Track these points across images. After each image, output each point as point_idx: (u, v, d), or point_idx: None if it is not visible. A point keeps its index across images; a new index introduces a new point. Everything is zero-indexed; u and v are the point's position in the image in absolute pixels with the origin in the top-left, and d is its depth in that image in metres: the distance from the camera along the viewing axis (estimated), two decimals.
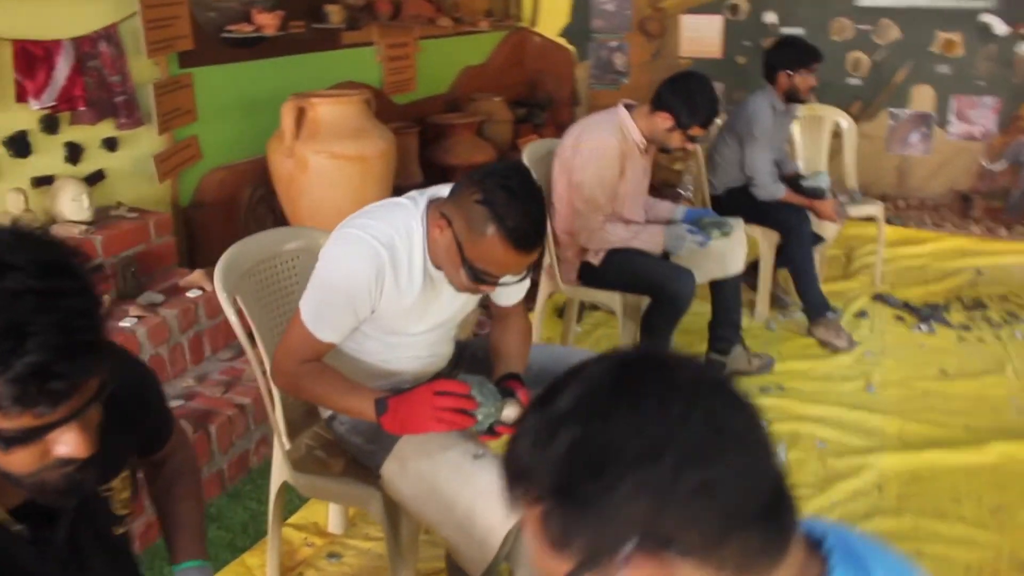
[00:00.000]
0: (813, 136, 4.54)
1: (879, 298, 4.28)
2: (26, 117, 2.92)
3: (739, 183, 3.94)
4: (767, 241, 3.93)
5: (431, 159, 4.81)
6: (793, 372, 3.55)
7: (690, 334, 3.65)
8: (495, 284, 1.87)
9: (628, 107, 3.08)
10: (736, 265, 3.34)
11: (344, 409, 1.94)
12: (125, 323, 2.78)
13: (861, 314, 4.12)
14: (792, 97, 3.83)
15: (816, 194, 3.93)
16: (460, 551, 1.88)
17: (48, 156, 3.02)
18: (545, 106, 5.85)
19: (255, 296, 2.17)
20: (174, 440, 1.52)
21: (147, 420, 1.39)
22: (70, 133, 3.08)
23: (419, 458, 1.90)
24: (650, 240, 3.07)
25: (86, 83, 3.05)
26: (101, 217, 3.07)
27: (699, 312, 3.54)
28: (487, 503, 1.80)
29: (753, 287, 4.06)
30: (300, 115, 3.65)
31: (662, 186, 5.76)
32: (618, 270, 3.11)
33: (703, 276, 3.32)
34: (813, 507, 2.69)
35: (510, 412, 1.85)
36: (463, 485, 1.83)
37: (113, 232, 3.00)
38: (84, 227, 2.94)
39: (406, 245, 1.88)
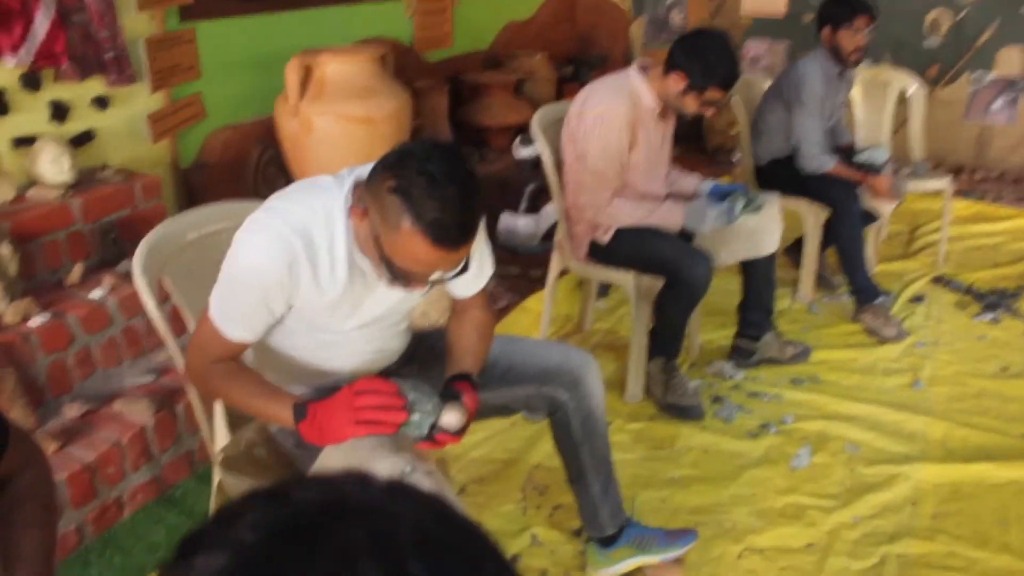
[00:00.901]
0: (876, 103, 4.07)
1: (940, 281, 3.83)
2: (4, 74, 2.73)
3: (784, 153, 3.53)
4: (813, 217, 3.52)
5: (464, 120, 4.52)
6: (832, 362, 3.17)
7: (720, 315, 3.30)
8: (423, 284, 1.58)
9: (644, 68, 2.73)
10: (769, 245, 2.97)
11: (262, 415, 1.69)
12: (94, 294, 2.59)
13: (917, 299, 3.68)
14: (837, 58, 3.40)
15: (870, 169, 3.50)
16: None
17: (30, 115, 2.83)
18: (595, 64, 5.47)
19: (188, 278, 1.93)
20: (15, 457, 1.28)
21: None
22: (54, 91, 2.89)
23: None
24: (667, 217, 2.73)
25: (69, 38, 2.85)
26: (85, 179, 2.88)
27: (731, 290, 3.19)
28: None
29: (797, 265, 3.67)
30: (307, 73, 3.40)
31: (716, 151, 5.36)
32: (628, 249, 2.78)
33: (731, 256, 2.97)
34: (832, 522, 2.35)
35: (451, 418, 1.58)
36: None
37: (93, 196, 2.80)
38: (61, 191, 2.75)
39: (325, 233, 1.60)
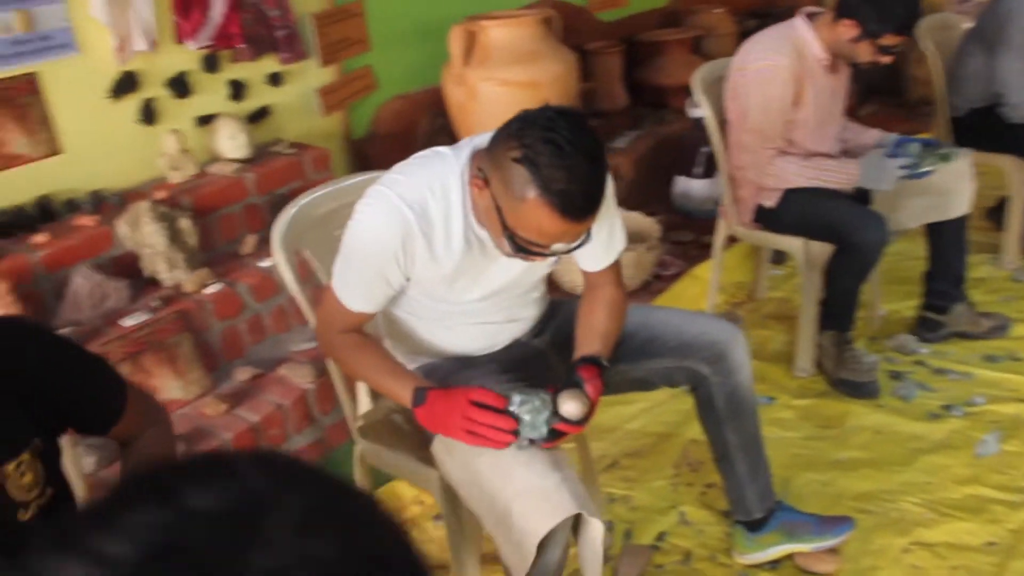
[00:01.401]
0: None
1: None
2: (186, 57, 2.88)
3: (986, 102, 3.17)
4: (1020, 174, 3.14)
5: (640, 80, 4.36)
6: None
7: (906, 283, 3.00)
8: (545, 255, 1.53)
9: (811, 16, 2.50)
10: (960, 205, 2.67)
11: (384, 391, 1.71)
12: (264, 264, 2.71)
13: None
14: None
15: None
16: (501, 549, 1.60)
17: (210, 95, 2.98)
18: (783, 16, 5.12)
19: (328, 250, 1.96)
20: (135, 417, 1.34)
21: (57, 396, 1.22)
22: (232, 71, 3.02)
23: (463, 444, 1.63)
24: (840, 175, 2.51)
25: (243, 19, 2.97)
26: (260, 154, 3.01)
27: (918, 256, 2.91)
28: (525, 504, 1.51)
29: (1000, 229, 3.30)
30: (471, 40, 3.38)
31: (918, 104, 4.90)
32: (796, 213, 2.58)
33: (915, 218, 2.70)
34: (1019, 520, 2.10)
35: (570, 407, 1.54)
36: (503, 481, 1.55)
37: (266, 169, 2.92)
38: (238, 165, 2.88)
39: (441, 205, 1.57)
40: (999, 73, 3.06)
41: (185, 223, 2.66)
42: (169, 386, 2.42)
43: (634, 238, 3.26)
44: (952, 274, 2.79)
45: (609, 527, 2.20)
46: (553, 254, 1.53)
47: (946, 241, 2.76)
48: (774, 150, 2.50)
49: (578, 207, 1.41)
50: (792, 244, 2.65)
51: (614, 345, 1.76)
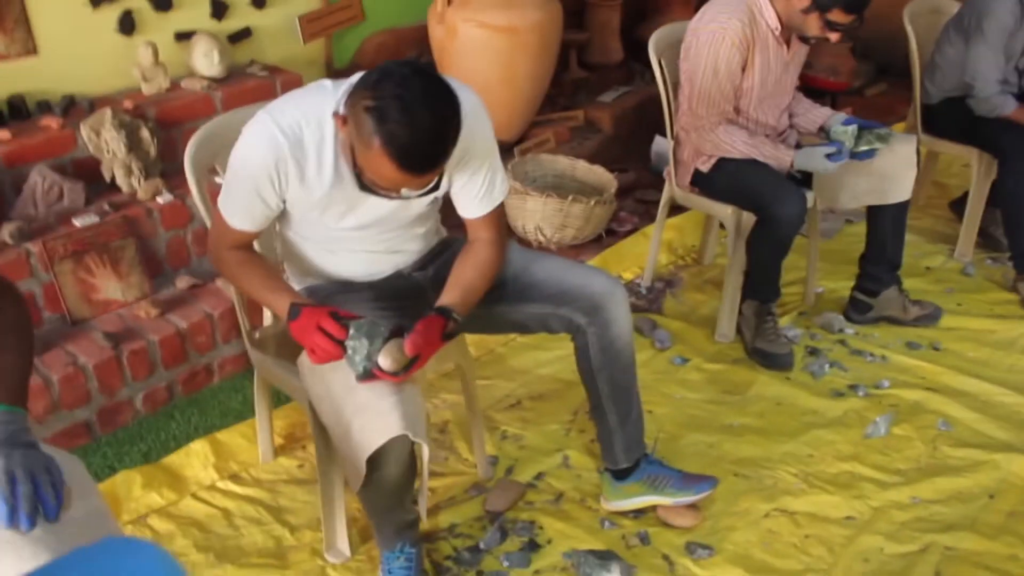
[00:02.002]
0: None
1: None
2: None
3: (959, 92, 3.12)
4: (981, 167, 3.11)
5: (640, 37, 4.33)
6: (964, 331, 2.83)
7: (851, 264, 2.98)
8: (391, 197, 1.61)
9: None
10: (899, 191, 2.66)
11: (266, 305, 1.83)
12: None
13: None
14: None
15: None
16: (344, 464, 1.71)
17: (192, 11, 3.05)
18: None
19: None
20: None
21: None
22: None
23: None
24: (772, 159, 2.52)
25: None
26: (234, 74, 3.09)
27: (859, 235, 2.91)
28: (361, 420, 1.63)
29: (962, 220, 3.27)
30: None
31: None
32: (726, 180, 2.60)
33: (854, 199, 2.71)
34: (884, 499, 2.16)
35: (384, 360, 1.61)
36: (347, 397, 1.65)
37: (235, 89, 3.00)
38: (208, 83, 2.97)
39: (316, 135, 1.65)
40: (971, 63, 3.01)
41: (145, 133, 2.76)
42: (109, 287, 2.55)
43: (589, 191, 3.31)
44: (887, 259, 2.79)
45: (493, 461, 2.29)
46: (400, 197, 1.60)
47: (884, 226, 2.75)
48: (719, 115, 2.51)
49: (417, 162, 1.49)
50: (723, 211, 2.67)
51: (479, 296, 1.82)
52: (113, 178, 2.71)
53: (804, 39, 2.52)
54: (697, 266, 3.22)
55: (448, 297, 1.78)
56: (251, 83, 3.04)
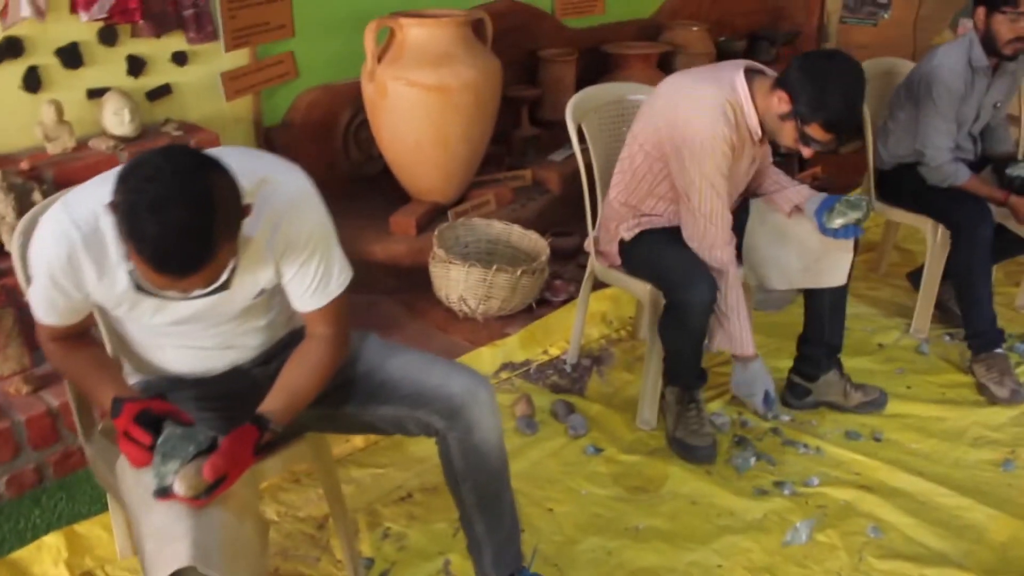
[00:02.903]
0: None
1: None
2: (83, 28, 2.80)
3: (912, 158, 2.90)
4: (936, 238, 2.87)
5: None
6: (911, 418, 2.58)
7: (792, 340, 2.75)
8: (169, 298, 1.42)
9: (751, 74, 2.24)
10: (833, 275, 2.42)
11: (92, 399, 1.65)
12: None
13: None
14: (989, 47, 2.70)
15: (1019, 187, 2.79)
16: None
17: (106, 68, 2.90)
18: (780, 41, 4.85)
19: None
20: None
21: None
22: (131, 46, 2.94)
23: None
24: (736, 332, 2.31)
25: None
26: (148, 132, 2.93)
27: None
28: (151, 544, 1.42)
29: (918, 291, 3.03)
30: (390, 36, 3.25)
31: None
32: (644, 252, 2.40)
33: (785, 280, 2.47)
34: None
35: (179, 484, 1.40)
36: (144, 513, 1.45)
37: (144, 148, 2.83)
38: (114, 143, 2.81)
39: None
40: (921, 131, 2.80)
41: (38, 196, 2.59)
42: None
43: (523, 258, 3.10)
44: (824, 342, 2.55)
45: (368, 564, 2.07)
46: (180, 298, 1.41)
47: (821, 308, 2.51)
48: (728, 232, 2.27)
49: (173, 264, 1.29)
50: (640, 288, 2.45)
51: (309, 399, 1.63)
52: (1, 243, 2.55)
53: (773, 145, 2.30)
54: (631, 340, 2.99)
55: (269, 403, 1.57)
56: (162, 142, 2.88)
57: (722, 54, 4.58)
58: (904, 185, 2.93)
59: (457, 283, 2.93)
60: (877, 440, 2.49)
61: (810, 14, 4.97)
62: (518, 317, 3.03)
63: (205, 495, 1.41)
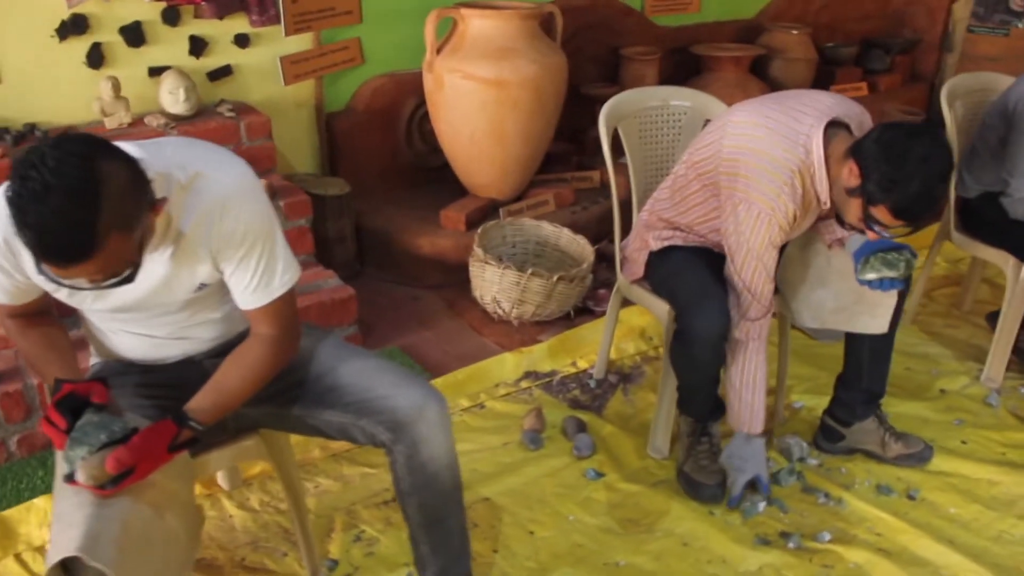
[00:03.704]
0: None
1: None
2: (144, 8, 2.86)
3: (999, 187, 2.59)
4: (1016, 277, 2.56)
5: None
6: (955, 479, 2.30)
7: (833, 374, 2.51)
8: (66, 285, 1.38)
9: (834, 128, 1.94)
10: (871, 322, 2.17)
11: (41, 379, 1.65)
12: None
13: None
14: None
15: None
16: None
17: (168, 47, 2.96)
18: (894, 48, 4.47)
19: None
20: None
21: None
22: (194, 26, 2.99)
23: None
24: (742, 409, 2.14)
25: None
26: (202, 112, 2.97)
27: None
28: (54, 528, 1.40)
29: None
30: (454, 27, 3.17)
31: None
32: (665, 268, 2.23)
33: (817, 319, 2.25)
34: None
35: (81, 472, 1.38)
36: (56, 496, 1.46)
37: (195, 129, 2.85)
38: (165, 121, 2.85)
39: None
40: (1010, 155, 2.49)
41: None
42: None
43: (570, 263, 2.97)
44: (863, 388, 2.30)
45: (332, 566, 2.01)
46: (77, 287, 1.37)
47: (862, 352, 2.26)
48: (766, 307, 2.06)
49: (55, 253, 1.25)
50: (660, 308, 2.28)
51: (241, 400, 1.57)
52: None
53: (839, 219, 2.02)
54: (660, 359, 2.80)
55: (196, 400, 1.53)
56: (214, 123, 2.90)
57: (827, 60, 4.27)
58: (986, 216, 2.62)
59: (492, 284, 2.84)
60: (911, 498, 2.23)
61: (934, 21, 4.56)
62: (555, 324, 2.91)
63: (111, 486, 1.38)
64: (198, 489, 2.21)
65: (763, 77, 3.98)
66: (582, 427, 2.44)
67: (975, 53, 4.44)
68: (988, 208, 2.61)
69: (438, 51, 3.14)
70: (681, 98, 2.52)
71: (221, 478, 2.26)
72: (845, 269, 2.14)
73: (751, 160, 1.97)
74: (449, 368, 2.70)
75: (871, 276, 2.05)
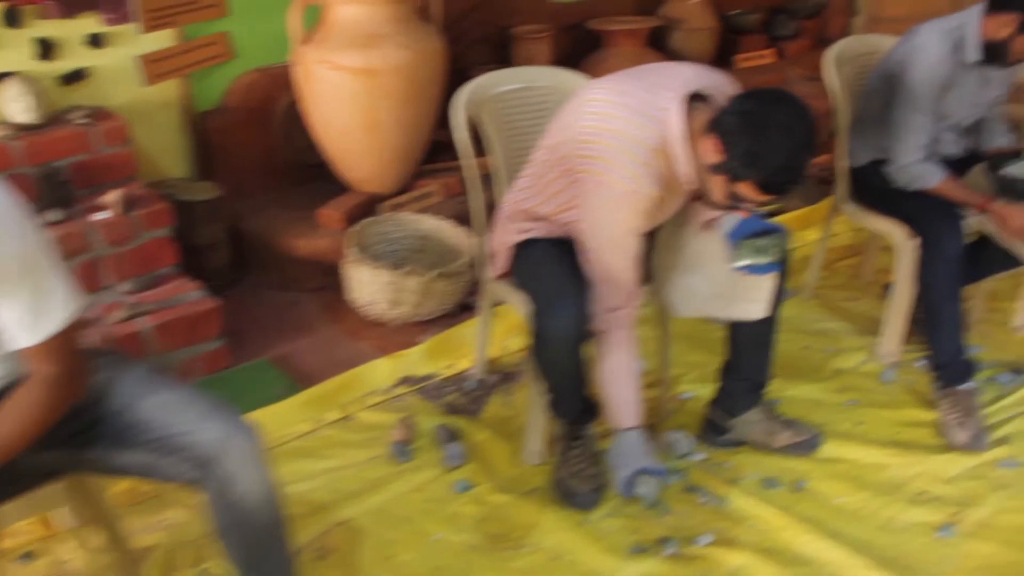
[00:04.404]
0: None
1: None
2: None
3: (885, 154, 2.43)
4: (907, 246, 2.41)
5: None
6: (845, 465, 2.15)
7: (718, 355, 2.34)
8: None
9: (693, 102, 1.76)
10: (749, 307, 2.01)
11: None
12: None
13: None
14: (992, 52, 2.22)
15: (1012, 189, 2.30)
16: None
17: (11, 52, 2.71)
18: (800, 12, 4.31)
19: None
20: None
21: None
22: (40, 28, 2.74)
23: None
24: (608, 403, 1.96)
25: None
26: (53, 120, 2.73)
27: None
28: None
29: None
30: (323, 15, 2.96)
31: None
32: (525, 264, 2.05)
33: (690, 307, 2.08)
34: None
35: None
36: None
37: (43, 138, 2.62)
38: (7, 133, 2.61)
39: None
40: (891, 122, 2.33)
41: None
42: None
43: (450, 259, 2.78)
44: (746, 377, 2.14)
45: None
46: None
47: (743, 340, 2.10)
48: (631, 302, 1.90)
49: None
50: (522, 306, 2.10)
51: (18, 447, 1.37)
52: None
53: (705, 199, 1.84)
54: None
55: None
56: (65, 131, 2.67)
57: (732, 29, 4.10)
58: (875, 185, 2.47)
59: (367, 285, 2.64)
60: (797, 490, 2.09)
61: None
62: (438, 323, 2.73)
63: None
64: (33, 531, 2.01)
65: (663, 49, 3.80)
66: (454, 435, 2.26)
67: (882, 15, 4.29)
68: (877, 177, 2.45)
69: (306, 42, 2.92)
70: (544, 78, 2.33)
71: (63, 515, 2.06)
72: (719, 253, 1.98)
73: (607, 140, 1.78)
74: (324, 377, 2.51)
75: (744, 262, 1.89)
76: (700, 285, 2.04)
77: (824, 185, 3.27)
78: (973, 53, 2.26)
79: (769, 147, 1.64)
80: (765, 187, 1.68)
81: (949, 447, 2.20)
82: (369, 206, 3.05)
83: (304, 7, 2.87)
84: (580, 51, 3.69)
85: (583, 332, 1.87)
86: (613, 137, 1.78)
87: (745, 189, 1.70)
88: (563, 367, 1.94)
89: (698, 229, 2.04)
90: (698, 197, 1.87)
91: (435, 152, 3.24)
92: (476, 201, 2.25)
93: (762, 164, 1.65)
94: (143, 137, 2.96)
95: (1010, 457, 2.16)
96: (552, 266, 1.96)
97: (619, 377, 1.93)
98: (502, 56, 3.60)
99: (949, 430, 2.21)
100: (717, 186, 1.75)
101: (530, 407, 2.17)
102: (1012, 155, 2.41)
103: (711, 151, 1.71)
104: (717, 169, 1.72)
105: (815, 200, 3.33)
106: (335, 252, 2.90)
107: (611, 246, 1.85)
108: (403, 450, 2.21)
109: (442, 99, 3.08)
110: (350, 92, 2.86)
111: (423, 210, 3.02)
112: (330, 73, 2.85)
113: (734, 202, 1.76)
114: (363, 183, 3.08)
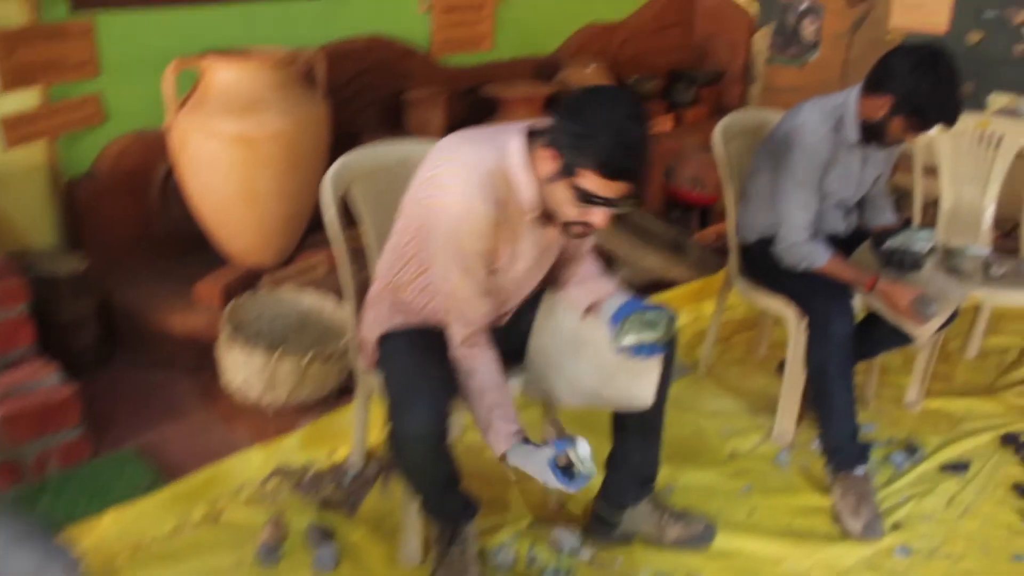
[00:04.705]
0: (975, 162, 2.71)
1: (1010, 441, 2.46)
2: None
3: (773, 231, 2.38)
4: (796, 328, 2.35)
5: None
6: (739, 560, 2.04)
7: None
8: None
9: (534, 136, 1.70)
10: (634, 395, 1.88)
11: None
12: None
13: (955, 467, 2.37)
14: (872, 134, 2.21)
15: (902, 262, 2.27)
16: None
17: None
18: (698, 80, 4.33)
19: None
20: None
21: None
22: None
23: None
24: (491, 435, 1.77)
25: None
26: None
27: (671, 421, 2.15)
28: None
29: None
30: (200, 79, 2.80)
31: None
32: (383, 358, 1.90)
33: (574, 394, 1.96)
34: None
35: None
36: None
37: None
38: None
39: None
40: (776, 201, 2.29)
41: None
42: None
43: (324, 338, 2.62)
44: (633, 470, 2.03)
45: None
46: None
47: (629, 428, 1.99)
48: (481, 326, 1.79)
49: None
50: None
51: None
52: None
53: (562, 227, 1.73)
54: None
55: None
56: None
57: None
58: (765, 262, 2.41)
59: (240, 367, 2.46)
60: None
61: (735, 53, 4.44)
62: (318, 407, 2.55)
63: None
64: None
65: None
66: (326, 535, 2.07)
67: (776, 84, 4.34)
68: (766, 255, 2.39)
69: (181, 107, 2.75)
70: (420, 152, 2.19)
71: None
72: (600, 339, 1.86)
73: (446, 168, 1.72)
74: (193, 468, 2.29)
75: (630, 340, 1.78)
76: (582, 371, 1.92)
77: (719, 256, 3.23)
78: (852, 133, 2.24)
79: (595, 124, 1.56)
80: (606, 170, 1.57)
81: (843, 534, 2.11)
82: (249, 280, 2.87)
83: (179, 70, 2.70)
84: (475, 117, 3.60)
85: (442, 429, 1.72)
86: (451, 164, 1.72)
87: (588, 182, 1.59)
88: (426, 469, 1.78)
89: (581, 315, 1.93)
90: (551, 223, 1.75)
91: (321, 222, 3.08)
92: (347, 288, 2.10)
93: (592, 143, 1.56)
94: (4, 204, 2.74)
95: (904, 544, 2.08)
96: (410, 359, 1.81)
97: (481, 398, 1.77)
98: (394, 121, 3.49)
99: (843, 518, 2.13)
100: (563, 195, 1.65)
101: (403, 507, 2.00)
102: (896, 231, 2.39)
103: (547, 162, 1.64)
104: (557, 175, 1.62)
105: (710, 271, 3.28)
106: (212, 330, 2.69)
107: (456, 269, 1.73)
108: (271, 553, 2.02)
109: (327, 167, 2.93)
110: (227, 161, 2.69)
111: (308, 283, 2.85)
112: (206, 141, 2.68)
113: (584, 204, 1.63)
114: (243, 255, 2.90)
